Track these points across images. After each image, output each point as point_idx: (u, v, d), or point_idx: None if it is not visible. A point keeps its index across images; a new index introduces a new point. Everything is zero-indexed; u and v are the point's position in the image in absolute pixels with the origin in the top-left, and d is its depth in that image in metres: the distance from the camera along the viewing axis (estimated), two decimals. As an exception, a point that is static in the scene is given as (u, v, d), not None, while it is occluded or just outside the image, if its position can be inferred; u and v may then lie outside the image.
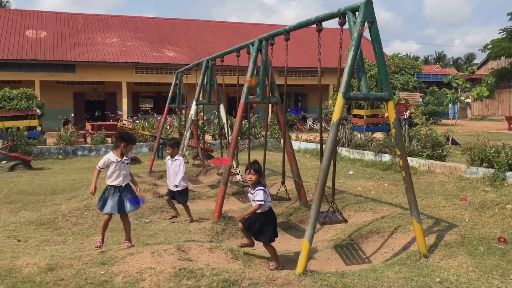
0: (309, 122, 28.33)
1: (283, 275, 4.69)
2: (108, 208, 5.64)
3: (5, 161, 14.92)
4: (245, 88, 7.37)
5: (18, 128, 16.18)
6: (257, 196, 5.17)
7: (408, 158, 8.70)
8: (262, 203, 5.17)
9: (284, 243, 6.74)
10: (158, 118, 24.36)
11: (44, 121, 20.24)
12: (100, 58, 28.25)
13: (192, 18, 35.00)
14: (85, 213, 7.71)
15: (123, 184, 5.72)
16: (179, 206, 7.79)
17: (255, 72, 7.47)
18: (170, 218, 7.70)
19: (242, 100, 7.38)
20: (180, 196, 7.53)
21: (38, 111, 17.98)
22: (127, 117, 28.11)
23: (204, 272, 4.60)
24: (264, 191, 5.21)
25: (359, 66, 5.25)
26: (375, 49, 5.11)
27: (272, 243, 5.33)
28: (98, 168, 5.73)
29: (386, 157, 12.55)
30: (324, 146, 5.32)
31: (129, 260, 5.03)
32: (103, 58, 28.38)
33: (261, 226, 5.26)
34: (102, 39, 30.45)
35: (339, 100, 4.81)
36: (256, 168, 5.26)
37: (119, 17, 34.84)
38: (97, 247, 5.56)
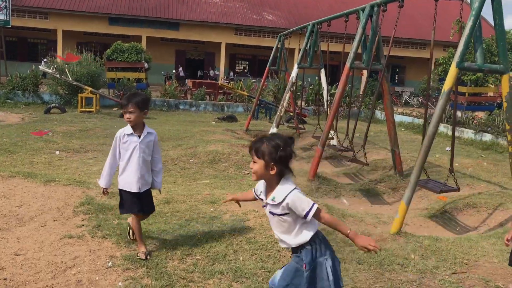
0: (405, 96, 27.47)
1: (378, 232, 4.94)
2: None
3: (116, 108, 16.34)
4: (351, 53, 7.48)
5: (128, 79, 17.54)
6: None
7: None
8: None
9: (375, 208, 6.95)
10: (253, 80, 24.96)
11: (149, 75, 21.63)
12: (203, 18, 29.22)
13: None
14: (191, 160, 8.41)
15: None
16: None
17: (362, 38, 7.54)
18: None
19: (348, 64, 7.51)
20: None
21: (145, 64, 19.25)
22: (224, 77, 29.05)
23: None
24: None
25: (476, 36, 5.18)
26: (496, 20, 5.02)
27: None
28: None
29: (487, 137, 12.06)
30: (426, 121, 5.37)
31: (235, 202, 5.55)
32: (206, 18, 29.32)
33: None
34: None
35: (453, 70, 4.83)
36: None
37: (223, -22, 35.53)
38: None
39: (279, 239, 2.77)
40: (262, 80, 14.07)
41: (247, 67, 35.02)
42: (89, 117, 13.46)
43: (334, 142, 9.97)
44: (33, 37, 30.86)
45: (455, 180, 5.75)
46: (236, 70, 34.25)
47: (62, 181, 6.10)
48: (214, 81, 24.15)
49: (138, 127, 3.88)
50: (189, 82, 23.45)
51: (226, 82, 25.73)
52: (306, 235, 2.63)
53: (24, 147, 8.96)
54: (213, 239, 4.42)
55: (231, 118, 15.63)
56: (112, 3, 28.70)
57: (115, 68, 18.24)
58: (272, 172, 2.56)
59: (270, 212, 2.68)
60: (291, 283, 2.67)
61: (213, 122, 14.99)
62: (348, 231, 2.63)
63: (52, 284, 3.37)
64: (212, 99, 20.62)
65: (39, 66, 17.04)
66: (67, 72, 15.84)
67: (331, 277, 2.63)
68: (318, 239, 2.67)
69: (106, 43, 27.51)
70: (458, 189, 5.76)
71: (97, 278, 3.50)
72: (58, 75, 15.80)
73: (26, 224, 4.62)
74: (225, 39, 29.91)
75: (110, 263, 3.78)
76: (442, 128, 14.10)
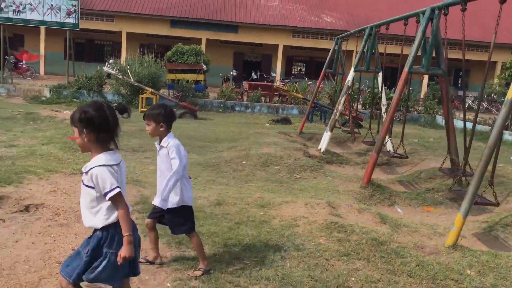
0: (469, 101, 26.30)
1: (432, 244, 4.76)
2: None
3: (174, 109, 16.76)
4: (410, 57, 7.26)
5: (187, 80, 17.97)
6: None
7: None
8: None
9: (431, 218, 6.70)
10: (309, 83, 24.81)
11: (207, 76, 22.03)
12: (261, 21, 29.39)
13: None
14: (244, 162, 8.48)
15: None
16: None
17: (422, 42, 7.30)
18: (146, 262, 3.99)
19: (406, 69, 7.30)
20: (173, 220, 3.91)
21: (204, 66, 19.64)
22: (280, 79, 29.08)
23: (354, 228, 4.88)
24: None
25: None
26: None
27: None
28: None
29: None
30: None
31: (285, 207, 5.54)
32: (264, 20, 29.48)
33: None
34: (264, 2, 31.53)
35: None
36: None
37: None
38: None
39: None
40: (318, 83, 13.95)
41: (303, 69, 34.87)
42: (148, 117, 13.93)
43: (389, 147, 9.72)
44: (100, 39, 32.27)
45: (494, 193, 5.46)
46: (293, 72, 34.17)
47: (120, 179, 6.34)
48: (270, 83, 24.24)
49: (161, 139, 3.78)
50: (245, 84, 23.68)
51: (282, 84, 25.75)
52: (100, 220, 2.65)
53: (87, 145, 9.40)
54: (262, 244, 4.43)
55: (285, 121, 15.62)
56: (174, 6, 29.50)
57: (175, 69, 18.73)
58: (86, 140, 2.62)
59: (82, 181, 2.71)
60: (70, 264, 2.69)
61: (267, 124, 15.05)
62: (126, 234, 2.59)
63: (105, 280, 3.51)
64: (267, 101, 20.71)
65: (104, 67, 17.81)
66: (129, 73, 16.45)
67: (104, 271, 2.62)
68: (112, 231, 2.65)
69: (167, 45, 28.32)
70: (497, 204, 5.47)
71: (147, 278, 3.61)
72: (120, 76, 16.45)
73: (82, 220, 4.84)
74: (282, 41, 29.93)
75: (160, 263, 3.88)
76: (507, 136, 13.38)
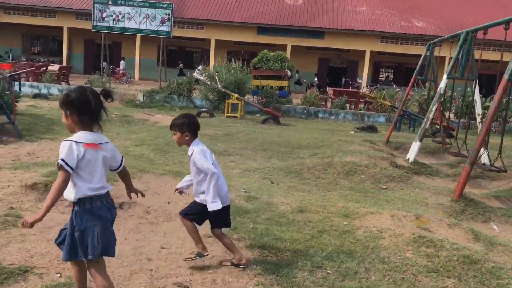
0: None
1: (533, 267, 4.37)
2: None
3: (258, 115, 17.02)
4: (510, 64, 6.77)
5: (271, 87, 18.16)
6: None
7: None
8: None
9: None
10: (397, 90, 24.00)
11: (291, 82, 22.12)
12: (348, 26, 29.00)
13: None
14: (327, 170, 8.38)
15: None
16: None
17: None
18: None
19: (506, 77, 6.80)
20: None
21: (288, 73, 19.73)
22: (366, 86, 28.45)
23: (444, 244, 4.62)
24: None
25: None
26: None
27: None
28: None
29: None
30: None
31: (370, 218, 5.39)
32: (351, 26, 29.05)
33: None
34: (352, 7, 31.08)
35: None
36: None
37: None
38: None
39: None
40: (407, 90, 13.45)
41: (391, 76, 33.83)
42: (234, 122, 14.23)
43: (484, 160, 9.10)
44: (190, 46, 33.67)
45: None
46: (380, 78, 33.28)
47: (206, 182, 6.54)
48: (355, 90, 23.78)
49: (188, 146, 3.87)
50: (329, 91, 23.44)
51: (368, 91, 25.16)
52: (72, 193, 2.79)
53: (176, 147, 9.78)
54: (345, 254, 4.34)
55: (371, 128, 15.22)
56: (261, 13, 30.03)
57: (260, 76, 19.01)
58: (70, 121, 2.83)
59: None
60: (70, 246, 2.84)
61: (352, 132, 14.76)
62: (42, 214, 2.67)
63: (190, 280, 3.62)
64: (353, 108, 20.33)
65: (193, 73, 18.53)
66: (217, 80, 16.96)
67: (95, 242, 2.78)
68: (87, 204, 2.79)
69: (253, 51, 28.89)
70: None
71: (230, 280, 3.67)
72: (209, 82, 17.01)
73: (172, 220, 5.05)
74: (370, 47, 29.31)
75: (243, 266, 3.93)
76: None
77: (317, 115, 18.54)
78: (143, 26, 20.80)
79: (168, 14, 20.56)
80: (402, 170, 8.97)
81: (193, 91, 19.61)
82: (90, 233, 2.78)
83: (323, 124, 16.67)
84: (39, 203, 5.21)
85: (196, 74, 17.89)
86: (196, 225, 3.96)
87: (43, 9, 30.26)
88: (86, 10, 28.54)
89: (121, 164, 3.11)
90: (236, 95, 16.37)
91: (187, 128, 3.78)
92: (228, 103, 16.29)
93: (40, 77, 21.97)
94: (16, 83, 16.80)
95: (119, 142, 10.16)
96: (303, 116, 18.24)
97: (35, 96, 17.93)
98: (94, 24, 21.00)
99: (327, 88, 25.99)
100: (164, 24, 20.61)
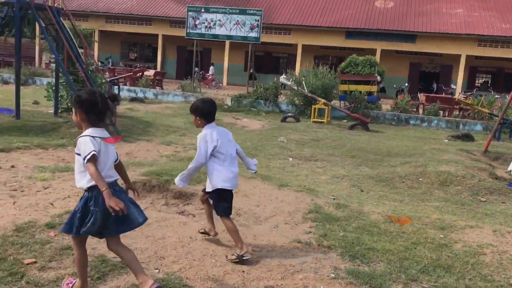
0: None
1: None
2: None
3: (345, 120, 16.75)
4: None
5: (360, 92, 17.78)
6: None
7: None
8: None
9: None
10: (496, 96, 22.43)
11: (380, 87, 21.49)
12: (442, 30, 27.64)
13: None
14: (420, 179, 8.02)
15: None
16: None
17: None
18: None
19: None
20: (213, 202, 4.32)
21: (378, 78, 19.20)
22: (461, 92, 26.91)
23: (556, 265, 4.22)
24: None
25: None
26: None
27: None
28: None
29: None
30: None
31: (469, 231, 5.07)
32: (446, 29, 27.66)
33: None
34: (447, 10, 29.57)
35: None
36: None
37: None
38: None
39: None
40: (510, 97, 12.51)
41: (489, 81, 31.72)
42: (320, 128, 14.12)
43: None
44: (276, 52, 33.97)
45: None
46: (476, 84, 31.32)
47: (294, 187, 6.54)
48: (449, 96, 22.59)
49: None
50: (421, 96, 22.48)
51: (464, 97, 23.77)
52: (86, 182, 3.09)
53: (263, 151, 9.91)
54: (442, 269, 4.11)
55: (467, 137, 14.35)
56: (350, 17, 29.56)
57: (348, 80, 18.71)
58: (79, 118, 3.15)
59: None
60: (69, 222, 3.14)
61: (446, 140, 14.01)
62: (103, 189, 2.92)
63: (282, 284, 3.62)
64: (446, 115, 19.32)
65: (280, 78, 18.66)
66: (304, 84, 16.94)
67: (93, 225, 3.03)
68: (96, 192, 3.03)
69: (340, 56, 28.52)
70: None
71: (321, 287, 3.62)
72: (295, 87, 17.04)
73: (261, 223, 5.10)
74: (465, 51, 27.70)
75: (334, 274, 3.86)
76: None
77: (408, 122, 17.84)
78: (233, 33, 21.34)
79: (258, 20, 20.92)
80: (502, 182, 8.37)
81: (279, 96, 19.75)
82: (90, 215, 3.06)
83: (414, 132, 16.01)
84: (138, 201, 5.50)
85: (283, 79, 18.01)
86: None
87: (141, 18, 32.14)
88: (180, 18, 29.87)
89: (117, 157, 3.37)
90: (323, 100, 16.24)
91: (199, 113, 4.05)
92: (315, 108, 16.20)
93: (136, 81, 23.37)
94: (116, 87, 17.98)
95: (209, 145, 10.50)
96: (393, 123, 17.65)
97: (132, 99, 19.06)
98: (188, 31, 21.92)
99: (419, 93, 24.92)
100: (253, 30, 20.99)
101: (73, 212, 3.19)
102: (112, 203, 2.91)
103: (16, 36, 11.74)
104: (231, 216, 4.18)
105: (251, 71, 25.80)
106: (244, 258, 3.92)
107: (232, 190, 4.15)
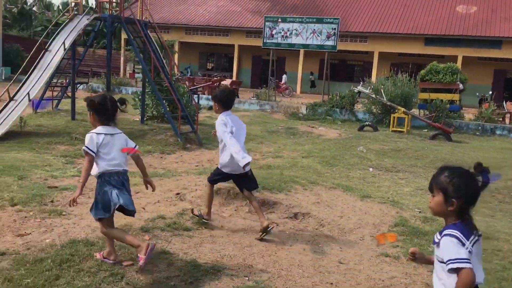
0: None
1: None
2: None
3: (426, 130, 16.13)
4: None
5: (441, 100, 17.06)
6: None
7: None
8: None
9: None
10: None
11: (463, 96, 20.49)
12: (533, 34, 25.92)
13: None
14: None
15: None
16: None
17: None
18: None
19: None
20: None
21: (460, 86, 18.33)
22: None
23: None
24: None
25: None
26: None
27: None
28: None
29: None
30: None
31: None
32: (536, 33, 25.91)
33: None
34: (538, 12, 27.68)
35: None
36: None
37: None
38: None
39: None
40: None
41: None
42: (400, 137, 13.70)
43: None
44: (352, 59, 33.52)
45: None
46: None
47: (377, 198, 6.40)
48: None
49: None
50: (508, 106, 21.15)
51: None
52: (94, 171, 3.66)
53: (342, 161, 9.79)
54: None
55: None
56: (430, 23, 28.55)
57: (428, 89, 18.03)
58: (91, 119, 3.80)
59: None
60: (99, 200, 3.66)
61: (538, 152, 13.07)
62: (80, 181, 3.64)
63: (372, 298, 3.56)
64: (538, 125, 18.03)
65: (357, 86, 18.37)
66: (382, 93, 16.55)
67: (94, 208, 3.69)
68: (100, 180, 3.66)
69: (419, 63, 27.56)
70: None
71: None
72: (373, 95, 16.69)
73: (346, 235, 5.04)
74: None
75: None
76: None
77: (494, 132, 16.84)
78: (309, 41, 21.33)
79: (334, 29, 20.78)
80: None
81: (355, 104, 19.43)
82: (107, 195, 3.60)
83: (501, 142, 15.09)
84: (223, 207, 5.65)
85: (360, 87, 17.71)
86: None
87: (219, 29, 33.05)
88: (256, 28, 30.37)
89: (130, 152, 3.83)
90: (403, 109, 15.77)
91: (218, 99, 4.64)
92: (394, 117, 15.76)
93: (214, 90, 23.97)
94: (195, 96, 18.60)
95: (286, 153, 10.55)
96: (477, 133, 16.74)
97: (211, 108, 19.60)
98: (264, 41, 22.21)
99: (505, 102, 23.46)
100: (330, 39, 20.86)
101: (94, 201, 3.74)
102: (72, 196, 3.57)
103: (107, 48, 12.53)
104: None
105: (311, 78, 25.46)
106: (204, 220, 4.81)
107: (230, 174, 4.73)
